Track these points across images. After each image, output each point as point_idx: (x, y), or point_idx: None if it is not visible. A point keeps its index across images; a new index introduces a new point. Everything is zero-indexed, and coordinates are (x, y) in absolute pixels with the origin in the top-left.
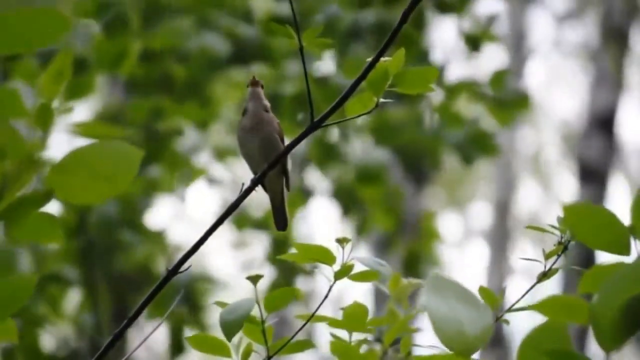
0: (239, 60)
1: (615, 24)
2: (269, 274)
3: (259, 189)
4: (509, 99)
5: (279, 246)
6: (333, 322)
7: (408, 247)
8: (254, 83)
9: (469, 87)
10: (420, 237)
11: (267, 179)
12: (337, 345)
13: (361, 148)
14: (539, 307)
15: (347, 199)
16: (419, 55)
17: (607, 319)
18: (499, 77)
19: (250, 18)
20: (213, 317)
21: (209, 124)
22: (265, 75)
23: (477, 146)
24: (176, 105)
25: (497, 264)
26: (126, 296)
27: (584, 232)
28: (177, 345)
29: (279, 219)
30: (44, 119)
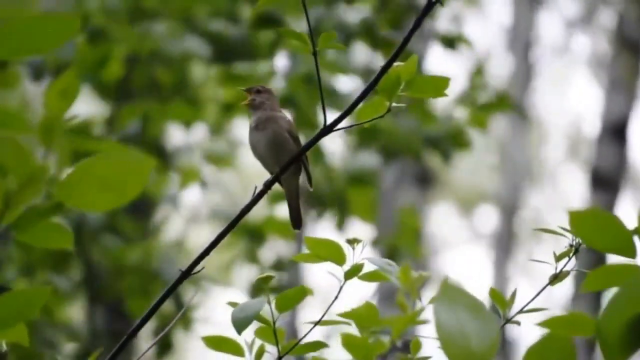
0: (224, 58)
1: (629, 32)
2: (250, 270)
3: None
4: (488, 99)
5: (257, 241)
6: (347, 315)
7: (387, 243)
8: (249, 89)
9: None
10: (398, 232)
11: (282, 179)
12: (347, 338)
13: (344, 149)
14: (546, 324)
15: (328, 203)
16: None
17: (613, 335)
18: (477, 75)
19: (235, 17)
20: (199, 314)
21: (193, 123)
22: (251, 75)
23: (453, 142)
24: (163, 107)
25: (503, 267)
26: (122, 299)
27: (590, 236)
28: (164, 344)
29: (294, 218)
30: (49, 135)
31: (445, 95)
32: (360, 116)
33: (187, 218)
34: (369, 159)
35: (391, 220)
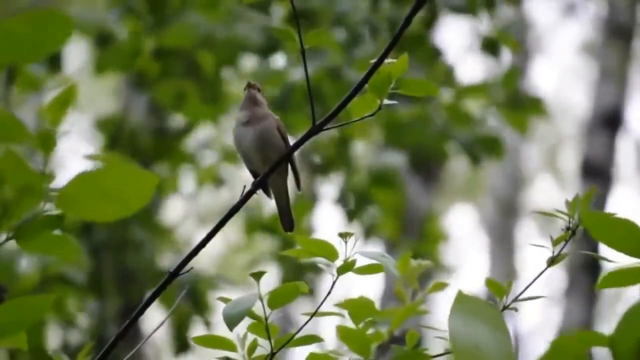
0: (267, 51)
1: (619, 20)
2: (275, 272)
3: (260, 191)
4: (522, 103)
5: (285, 245)
6: (342, 305)
7: (411, 248)
8: (250, 86)
9: (480, 90)
10: (423, 238)
11: (270, 180)
12: (344, 330)
13: (369, 148)
14: (560, 341)
15: (354, 203)
16: (429, 55)
17: (628, 351)
18: (510, 77)
19: (268, 9)
20: (217, 315)
21: (218, 118)
22: (275, 71)
23: (485, 147)
24: (200, 92)
25: (502, 257)
26: (134, 292)
27: (605, 237)
28: (181, 343)
29: (285, 220)
30: (47, 145)
31: (436, 95)
32: (353, 113)
33: (199, 216)
34: (393, 158)
35: (413, 223)
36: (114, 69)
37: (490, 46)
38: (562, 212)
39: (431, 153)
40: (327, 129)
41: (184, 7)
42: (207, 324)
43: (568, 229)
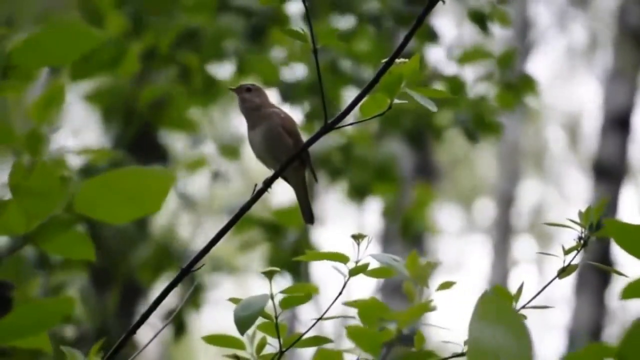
0: (254, 36)
1: (630, 19)
2: (265, 257)
3: (274, 187)
4: (516, 82)
5: (276, 229)
6: (352, 304)
7: (402, 215)
8: (236, 91)
9: (478, 55)
10: (414, 205)
11: (288, 175)
12: (353, 330)
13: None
14: (573, 358)
15: (334, 168)
16: (427, 36)
17: None
18: (507, 57)
19: None
20: (211, 295)
21: (211, 104)
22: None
23: (481, 125)
24: (188, 90)
25: (500, 258)
26: (134, 280)
27: (628, 246)
28: (178, 327)
29: (304, 212)
30: (34, 145)
31: (451, 95)
32: (363, 112)
33: (200, 211)
34: (394, 149)
35: (403, 204)
36: (92, 74)
37: (479, 19)
38: (574, 222)
39: (426, 127)
40: (338, 127)
41: (172, 8)
42: (198, 306)
43: (580, 239)
